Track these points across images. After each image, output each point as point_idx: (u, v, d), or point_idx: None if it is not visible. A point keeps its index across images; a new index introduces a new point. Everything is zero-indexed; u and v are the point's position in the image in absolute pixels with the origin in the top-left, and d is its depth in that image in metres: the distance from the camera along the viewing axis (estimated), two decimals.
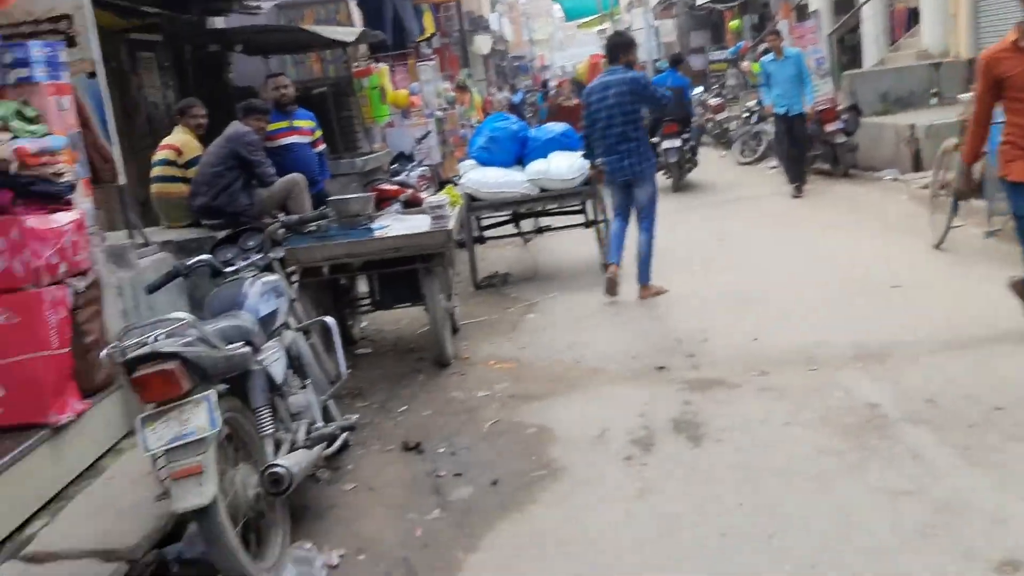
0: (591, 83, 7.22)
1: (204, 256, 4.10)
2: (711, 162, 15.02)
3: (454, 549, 3.47)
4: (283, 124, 7.16)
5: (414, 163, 9.49)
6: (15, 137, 4.06)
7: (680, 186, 12.70)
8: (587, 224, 8.47)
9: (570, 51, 64.96)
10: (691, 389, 4.90)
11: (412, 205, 7.89)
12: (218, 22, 10.09)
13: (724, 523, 3.38)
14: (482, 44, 27.56)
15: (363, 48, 11.17)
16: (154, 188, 6.65)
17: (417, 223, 5.99)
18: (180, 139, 6.72)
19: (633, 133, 6.84)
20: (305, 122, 7.40)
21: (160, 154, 6.69)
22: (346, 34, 8.93)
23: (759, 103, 13.19)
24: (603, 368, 5.49)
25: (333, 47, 10.60)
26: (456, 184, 8.11)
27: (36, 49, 4.40)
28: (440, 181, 10.72)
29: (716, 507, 3.52)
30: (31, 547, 3.47)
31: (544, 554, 3.37)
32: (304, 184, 6.71)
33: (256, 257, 4.18)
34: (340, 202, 5.73)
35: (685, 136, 12.52)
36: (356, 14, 11.23)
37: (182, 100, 7.34)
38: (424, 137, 10.74)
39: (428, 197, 8.82)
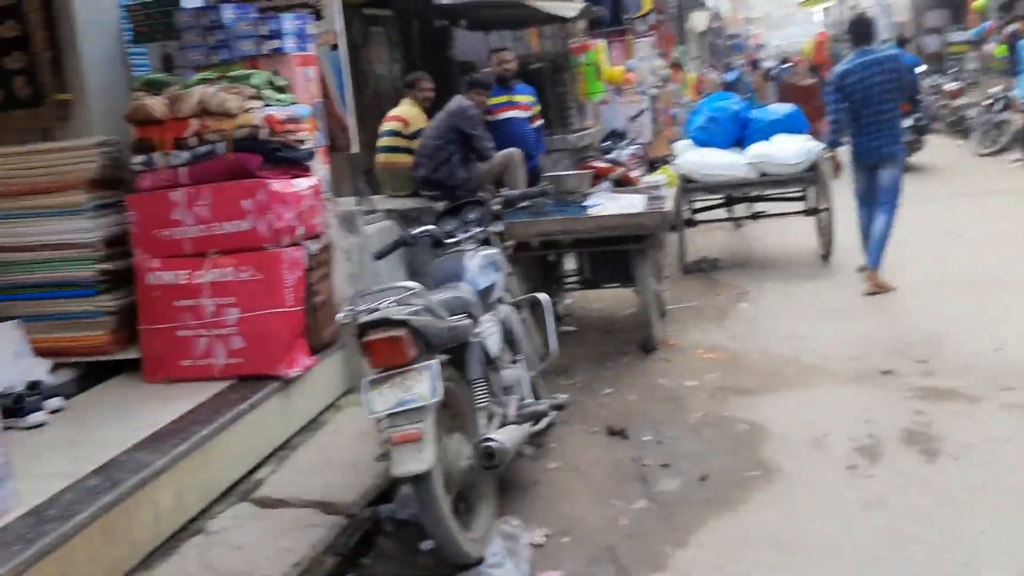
0: (845, 63, 6.77)
1: (428, 227, 4.19)
2: (944, 151, 13.84)
3: (661, 542, 3.38)
4: (504, 99, 7.24)
5: (626, 141, 9.37)
6: (267, 105, 4.32)
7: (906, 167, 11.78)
8: (808, 212, 8.02)
9: (789, 30, 61.93)
10: (922, 398, 4.51)
11: (623, 184, 7.80)
12: None
13: (965, 552, 3.07)
14: (698, 21, 26.81)
15: (581, 24, 11.11)
16: (380, 158, 6.92)
17: (631, 202, 5.88)
18: (407, 111, 6.95)
19: (889, 113, 6.54)
20: (525, 97, 7.44)
21: (387, 125, 6.95)
22: (568, 9, 8.90)
23: (1004, 90, 11.96)
24: (821, 366, 5.17)
25: (553, 23, 10.61)
26: (669, 164, 7.93)
27: (288, 22, 4.65)
28: (649, 160, 10.53)
29: (955, 532, 3.20)
30: (260, 491, 3.71)
31: (757, 557, 3.21)
32: (520, 159, 6.75)
33: (476, 230, 4.23)
34: (557, 178, 5.72)
35: (917, 116, 11.61)
36: None
37: (411, 73, 7.58)
38: (638, 115, 10.60)
39: (642, 176, 8.71)
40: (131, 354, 4.43)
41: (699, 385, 5.07)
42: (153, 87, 4.41)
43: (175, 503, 3.37)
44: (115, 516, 3.05)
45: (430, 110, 7.01)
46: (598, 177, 7.45)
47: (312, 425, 4.46)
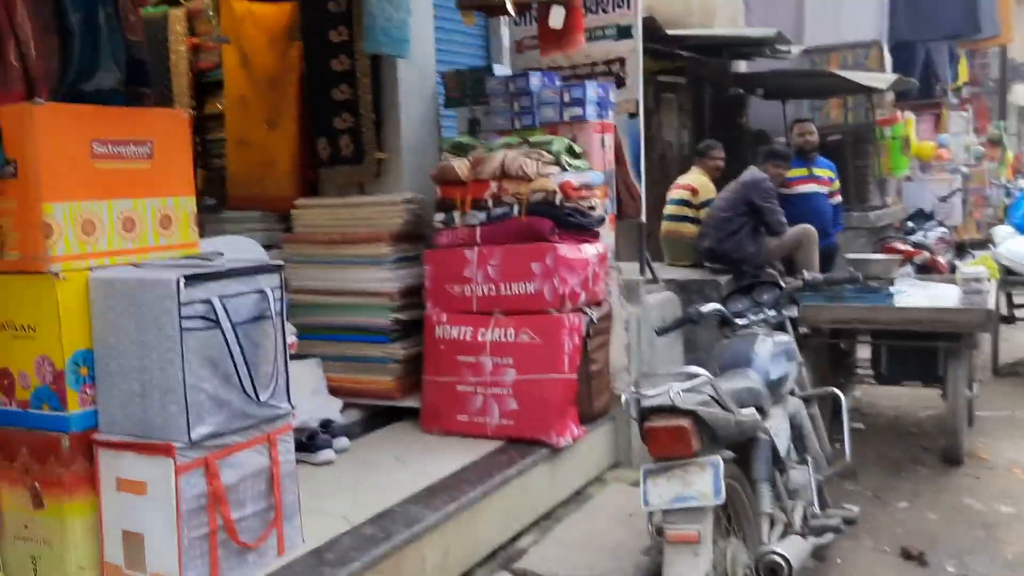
0: None
1: (717, 305, 3.96)
2: None
3: None
4: (803, 172, 6.88)
5: (933, 222, 8.55)
6: (563, 170, 4.34)
7: None
8: None
9: None
10: None
11: (928, 270, 7.08)
12: (741, 66, 10.14)
13: None
14: (1021, 94, 24.33)
15: (889, 95, 10.39)
16: (665, 226, 6.80)
17: (944, 294, 5.27)
18: (697, 180, 6.79)
19: None
20: (824, 171, 7.03)
21: (675, 193, 6.82)
22: (879, 81, 8.34)
23: None
24: None
25: (860, 92, 10.02)
26: (989, 252, 7.09)
27: (591, 89, 4.68)
28: (956, 243, 9.56)
29: None
30: (521, 562, 3.64)
31: None
32: (815, 237, 6.34)
33: (770, 313, 3.94)
34: (861, 262, 5.25)
35: None
36: (888, 58, 10.50)
37: (704, 141, 7.43)
38: (951, 195, 9.65)
39: (951, 261, 7.87)
40: (412, 402, 4.58)
41: (1017, 513, 4.37)
42: (459, 149, 4.59)
43: (441, 562, 3.37)
44: (385, 568, 3.09)
45: (719, 180, 6.80)
46: (901, 261, 6.82)
47: (577, 497, 4.34)
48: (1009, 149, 16.80)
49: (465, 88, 5.18)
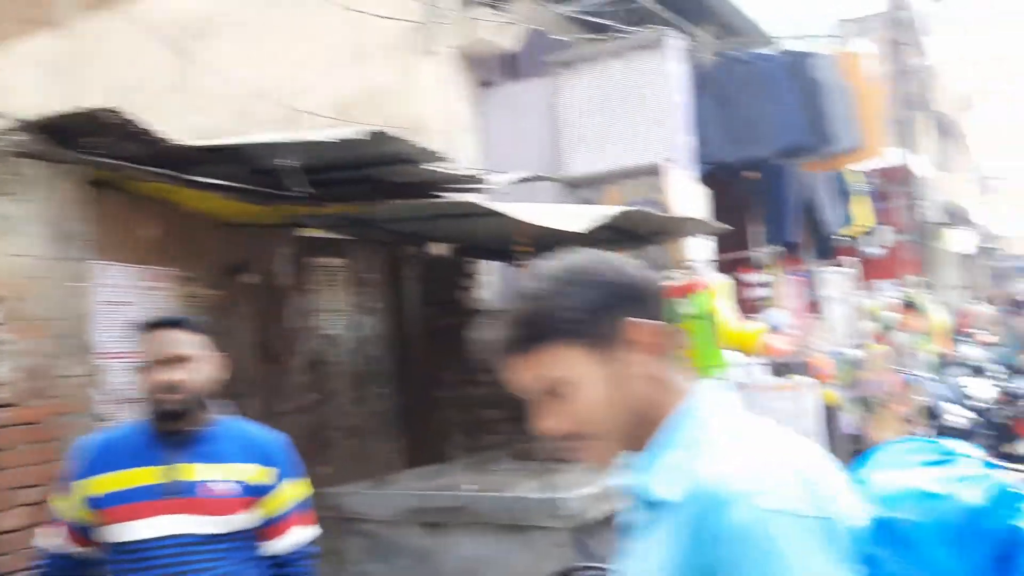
0: None
1: None
2: None
3: None
4: None
5: None
6: None
7: None
8: None
9: None
10: None
11: None
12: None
13: None
14: (959, 241, 20.92)
15: (701, 249, 6.48)
16: None
17: None
18: None
19: None
20: None
21: None
22: (581, 219, 4.19)
23: None
24: None
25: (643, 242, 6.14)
26: None
27: None
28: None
29: None
30: None
31: None
32: None
33: None
34: None
35: None
36: (698, 190, 6.66)
37: None
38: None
39: None
40: None
41: None
42: None
43: None
44: None
45: None
46: None
47: None
48: (937, 312, 12.94)
49: None
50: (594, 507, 3.90)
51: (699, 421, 1.21)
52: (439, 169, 4.73)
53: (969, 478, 2.40)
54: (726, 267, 6.75)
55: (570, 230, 4.15)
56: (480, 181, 5.26)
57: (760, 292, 6.82)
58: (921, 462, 2.52)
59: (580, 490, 3.93)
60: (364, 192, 4.82)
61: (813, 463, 1.19)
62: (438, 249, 6.28)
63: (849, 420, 7.75)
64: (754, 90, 6.62)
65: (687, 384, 1.27)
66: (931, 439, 2.80)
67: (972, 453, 2.55)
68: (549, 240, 4.71)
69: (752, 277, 7.16)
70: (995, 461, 2.85)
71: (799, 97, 6.53)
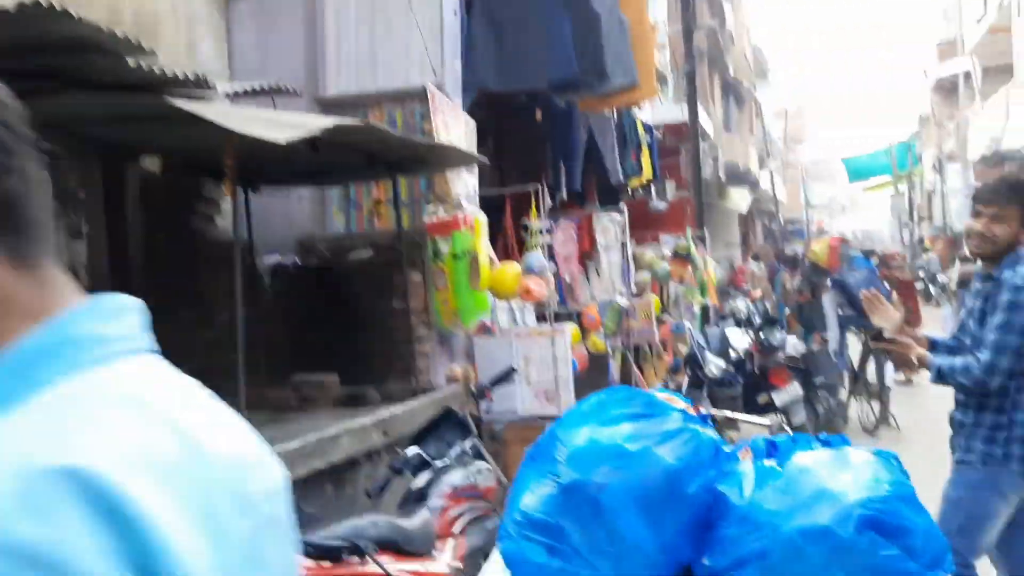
0: None
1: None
2: None
3: None
4: None
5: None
6: None
7: None
8: None
9: (859, 215, 58.97)
10: None
11: None
12: None
13: None
14: (740, 199, 21.96)
15: (465, 186, 6.02)
16: None
17: None
18: None
19: None
20: None
21: None
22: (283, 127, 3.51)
23: None
24: None
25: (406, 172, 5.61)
26: None
27: None
28: None
29: None
30: None
31: None
32: None
33: None
34: None
35: None
36: (465, 122, 6.17)
37: None
38: (505, 377, 4.69)
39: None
40: None
41: None
42: None
43: None
44: None
45: None
46: None
47: None
48: (714, 265, 13.37)
49: None
50: None
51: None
52: (153, 68, 3.97)
53: (670, 433, 2.03)
54: (492, 205, 6.35)
55: (271, 139, 3.52)
56: (209, 86, 4.53)
57: (528, 236, 6.49)
58: (622, 416, 2.14)
59: None
60: (52, 89, 3.99)
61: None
62: (154, 166, 5.48)
63: (615, 368, 7.68)
64: (528, 15, 6.18)
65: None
66: (645, 391, 2.45)
67: (681, 406, 2.19)
68: (259, 155, 4.09)
69: (528, 221, 6.83)
70: (710, 413, 2.53)
71: (575, 27, 6.15)
